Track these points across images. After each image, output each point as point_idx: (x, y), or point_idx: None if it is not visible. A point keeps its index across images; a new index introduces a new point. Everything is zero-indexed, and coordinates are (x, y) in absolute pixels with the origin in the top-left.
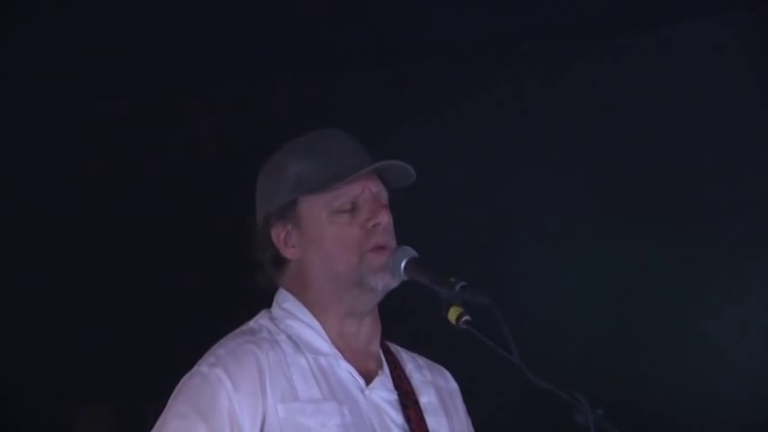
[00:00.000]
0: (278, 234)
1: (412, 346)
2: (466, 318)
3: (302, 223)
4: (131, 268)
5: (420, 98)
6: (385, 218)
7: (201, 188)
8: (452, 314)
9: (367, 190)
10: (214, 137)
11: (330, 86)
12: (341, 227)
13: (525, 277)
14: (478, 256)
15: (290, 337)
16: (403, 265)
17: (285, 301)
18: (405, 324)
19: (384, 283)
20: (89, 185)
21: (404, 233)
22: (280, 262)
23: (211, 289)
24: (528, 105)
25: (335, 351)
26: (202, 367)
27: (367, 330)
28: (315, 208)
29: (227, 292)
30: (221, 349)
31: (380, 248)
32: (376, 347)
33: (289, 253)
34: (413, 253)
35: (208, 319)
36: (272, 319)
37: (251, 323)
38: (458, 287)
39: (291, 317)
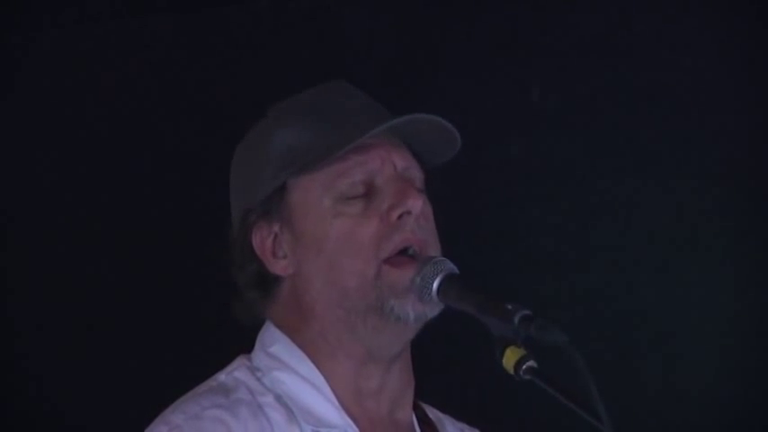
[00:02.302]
0: (262, 239)
1: (455, 408)
2: (529, 364)
3: (295, 219)
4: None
5: (462, 37)
6: (418, 202)
7: (158, 176)
8: (509, 358)
9: (388, 163)
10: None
11: (332, 18)
12: (351, 220)
13: (613, 300)
14: (545, 273)
15: (279, 399)
16: (436, 285)
17: (273, 343)
18: (445, 375)
19: (418, 309)
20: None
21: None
22: (266, 282)
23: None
24: (623, 47)
25: (347, 420)
26: None
27: (394, 386)
28: (312, 193)
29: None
30: (178, 415)
31: (408, 257)
32: (407, 413)
33: (278, 267)
34: (450, 267)
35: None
36: (254, 370)
37: (222, 376)
38: (517, 318)
39: (282, 367)
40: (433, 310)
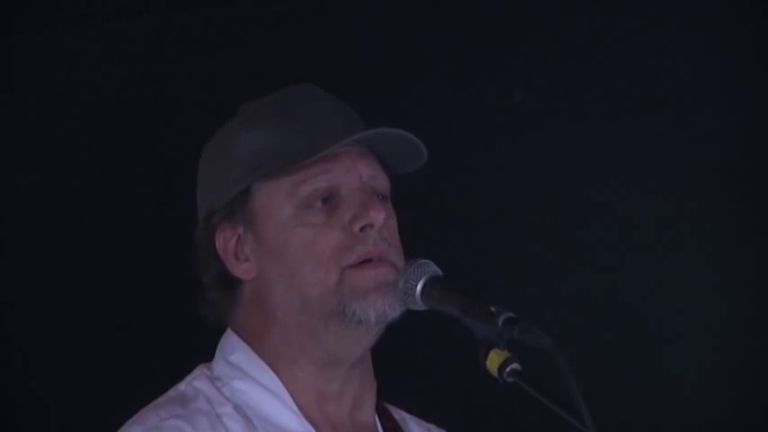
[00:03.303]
0: (225, 240)
1: (426, 410)
2: (513, 366)
3: (258, 224)
4: None
5: (445, 39)
6: (380, 215)
7: (148, 174)
8: (493, 361)
9: (353, 173)
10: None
11: (315, 19)
12: (313, 229)
13: (597, 302)
14: (529, 275)
15: (238, 409)
16: (420, 287)
17: (233, 351)
18: (414, 375)
19: (378, 310)
20: None
21: (415, 241)
22: (228, 284)
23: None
24: (607, 49)
25: (307, 426)
26: None
27: (355, 388)
28: (275, 199)
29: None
30: (136, 427)
31: (371, 262)
32: (369, 414)
33: (240, 269)
34: (434, 269)
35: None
36: (213, 379)
37: (182, 386)
38: (501, 320)
39: (241, 376)
40: (394, 311)
